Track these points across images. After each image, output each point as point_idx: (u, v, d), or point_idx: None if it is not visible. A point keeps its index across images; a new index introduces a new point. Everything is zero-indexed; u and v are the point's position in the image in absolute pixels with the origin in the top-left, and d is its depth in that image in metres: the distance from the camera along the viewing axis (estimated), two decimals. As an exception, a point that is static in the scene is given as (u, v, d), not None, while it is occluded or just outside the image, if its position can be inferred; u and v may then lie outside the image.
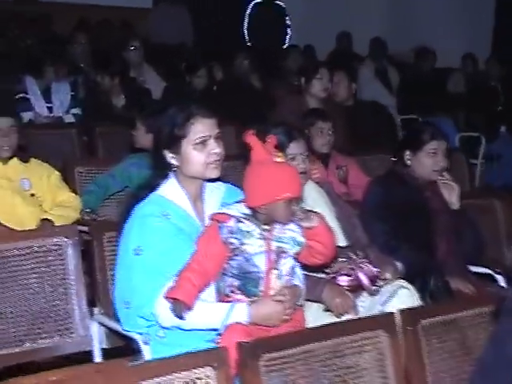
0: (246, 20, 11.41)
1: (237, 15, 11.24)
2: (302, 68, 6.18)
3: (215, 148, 2.80)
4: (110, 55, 7.12)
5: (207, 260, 2.64)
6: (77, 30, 8.18)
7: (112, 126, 5.76)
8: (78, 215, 4.14)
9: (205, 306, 2.65)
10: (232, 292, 2.68)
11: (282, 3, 11.31)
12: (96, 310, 3.20)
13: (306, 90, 5.65)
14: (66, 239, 3.16)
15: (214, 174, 2.83)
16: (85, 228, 3.85)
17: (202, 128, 2.80)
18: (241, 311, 2.65)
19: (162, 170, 2.88)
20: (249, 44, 11.15)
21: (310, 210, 2.74)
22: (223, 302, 2.69)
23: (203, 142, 2.79)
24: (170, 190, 2.84)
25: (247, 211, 2.66)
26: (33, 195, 4.03)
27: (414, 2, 11.71)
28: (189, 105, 2.86)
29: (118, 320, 2.84)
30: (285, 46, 10.77)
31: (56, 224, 3.89)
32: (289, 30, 11.17)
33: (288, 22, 11.10)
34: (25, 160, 4.06)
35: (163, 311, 2.63)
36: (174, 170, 2.85)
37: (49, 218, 3.93)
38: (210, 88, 7.20)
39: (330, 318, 2.95)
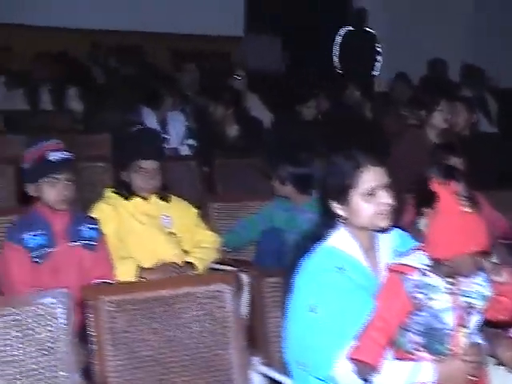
0: (337, 48, 11.20)
1: (326, 43, 11.04)
2: (419, 99, 5.92)
3: (385, 198, 2.56)
4: (219, 84, 6.93)
5: (391, 317, 2.38)
6: (188, 59, 8.04)
7: (228, 157, 5.58)
8: (218, 255, 3.94)
9: (388, 366, 2.41)
10: (415, 349, 2.43)
11: (372, 31, 11.07)
12: (256, 360, 2.97)
13: (427, 122, 5.40)
14: (225, 286, 2.93)
15: (384, 224, 2.59)
16: (227, 267, 3.68)
17: (371, 177, 2.57)
18: (427, 371, 2.39)
19: (329, 220, 2.65)
20: (340, 72, 10.94)
21: (499, 263, 2.50)
22: (404, 359, 2.44)
23: (372, 192, 2.56)
24: (341, 240, 2.61)
25: (429, 262, 2.41)
26: (172, 233, 3.83)
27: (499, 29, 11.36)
28: (355, 153, 2.64)
29: (279, 369, 2.64)
30: (376, 74, 10.51)
31: (199, 268, 3.71)
32: (379, 58, 10.90)
33: (379, 50, 10.83)
34: (165, 197, 3.87)
35: (345, 373, 2.39)
36: (343, 221, 2.62)
37: (191, 261, 3.74)
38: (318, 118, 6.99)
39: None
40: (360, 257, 2.60)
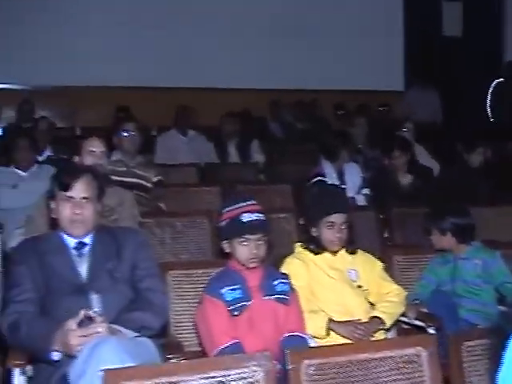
0: (490, 98, 10.66)
1: (480, 94, 10.55)
2: None
3: None
4: (390, 136, 6.56)
5: None
6: (357, 114, 7.75)
7: (403, 205, 5.21)
8: (403, 309, 3.57)
9: None
10: None
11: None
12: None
13: None
14: (422, 349, 2.56)
15: None
16: (421, 323, 3.33)
17: None
18: None
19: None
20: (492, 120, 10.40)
21: None
22: None
23: None
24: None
25: None
26: (359, 286, 3.50)
27: None
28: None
29: None
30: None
31: (386, 323, 3.36)
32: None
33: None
34: (352, 251, 3.55)
35: None
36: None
37: (379, 315, 3.38)
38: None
39: None
40: None
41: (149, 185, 4.99)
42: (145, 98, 8.86)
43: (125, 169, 4.96)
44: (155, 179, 5.03)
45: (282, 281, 3.15)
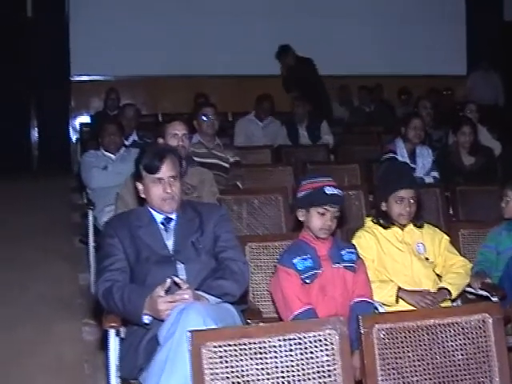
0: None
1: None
2: None
3: None
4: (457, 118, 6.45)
5: None
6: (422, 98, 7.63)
7: (467, 184, 5.14)
8: (468, 280, 3.54)
9: None
10: None
11: None
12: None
13: None
14: (488, 316, 2.54)
15: None
16: (485, 293, 3.31)
17: None
18: None
19: None
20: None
21: None
22: None
23: None
24: None
25: None
26: (427, 259, 3.48)
27: None
28: None
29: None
30: None
31: (453, 293, 3.35)
32: None
33: None
34: (420, 225, 3.53)
35: None
36: None
37: (446, 286, 3.37)
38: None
39: None
40: None
41: (227, 165, 5.07)
42: (220, 86, 8.93)
43: (205, 150, 5.04)
44: (232, 160, 5.11)
45: (349, 250, 3.20)
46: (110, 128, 5.48)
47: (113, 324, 2.88)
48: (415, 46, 10.20)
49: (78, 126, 8.92)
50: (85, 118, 9.14)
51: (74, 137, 9.06)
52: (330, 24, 9.83)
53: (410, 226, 3.50)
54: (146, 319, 2.77)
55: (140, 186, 3.10)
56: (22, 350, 4.13)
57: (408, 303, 3.30)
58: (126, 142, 5.95)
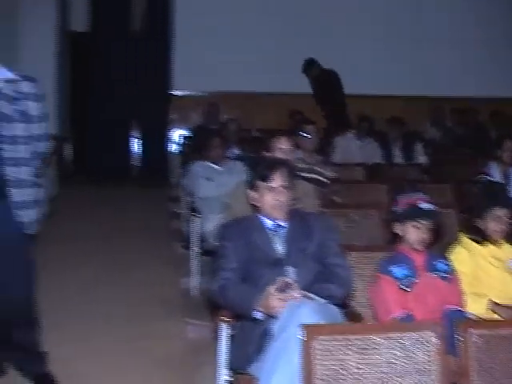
0: None
1: None
2: None
3: None
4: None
5: None
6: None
7: None
8: None
9: None
10: None
11: None
12: None
13: None
14: None
15: None
16: None
17: None
18: None
19: None
20: None
21: None
22: None
23: None
24: None
25: None
26: (519, 275, 3.65)
27: None
28: None
29: None
30: None
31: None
32: None
33: None
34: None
35: None
36: None
37: None
38: None
39: None
40: None
41: (325, 180, 5.33)
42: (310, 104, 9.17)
43: (305, 166, 5.32)
44: (331, 175, 5.37)
45: (443, 261, 3.44)
46: (215, 141, 5.84)
47: (225, 318, 3.18)
48: (508, 68, 10.23)
49: (177, 139, 9.36)
50: (183, 131, 9.55)
51: (172, 148, 9.47)
52: (422, 49, 10.04)
53: (504, 243, 3.69)
54: (259, 315, 3.06)
55: (252, 194, 3.40)
56: (131, 347, 4.46)
57: (501, 317, 3.47)
58: (229, 155, 6.29)
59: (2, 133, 3.58)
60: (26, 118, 3.61)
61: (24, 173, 3.63)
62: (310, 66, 8.88)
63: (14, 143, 3.59)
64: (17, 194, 3.62)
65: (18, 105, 3.59)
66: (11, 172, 3.60)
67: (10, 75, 3.63)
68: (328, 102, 8.56)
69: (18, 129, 3.60)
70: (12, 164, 3.61)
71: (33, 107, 3.64)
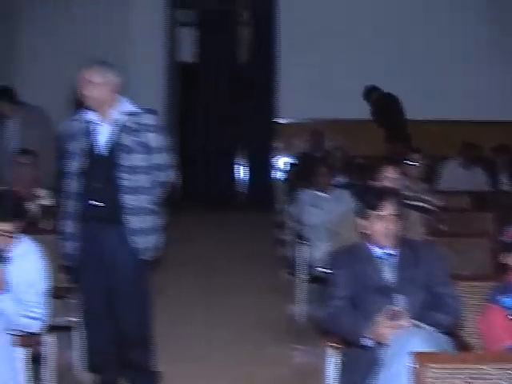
0: None
1: None
2: None
3: None
4: None
5: None
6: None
7: None
8: None
9: None
10: None
11: None
12: None
13: None
14: None
15: None
16: None
17: None
18: None
19: None
20: None
21: None
22: None
23: None
24: None
25: None
26: None
27: None
28: None
29: None
30: None
31: None
32: None
33: None
34: None
35: None
36: None
37: None
38: None
39: None
40: None
41: (431, 208, 5.32)
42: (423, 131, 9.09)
43: (411, 193, 5.34)
44: (438, 203, 5.36)
45: None
46: (322, 169, 5.95)
47: (333, 344, 3.27)
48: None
49: (281, 166, 9.51)
50: (287, 158, 9.69)
51: (277, 176, 9.62)
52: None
53: None
54: (368, 342, 3.13)
55: (362, 223, 3.47)
56: (235, 372, 4.56)
57: None
58: (335, 183, 6.38)
59: (122, 163, 3.81)
60: (146, 149, 3.83)
61: (143, 201, 3.84)
62: (371, 93, 9.02)
63: (133, 173, 3.81)
64: (135, 221, 3.83)
65: (138, 136, 3.82)
66: (130, 200, 3.82)
67: (132, 108, 3.88)
68: (385, 124, 8.57)
69: (138, 159, 3.82)
70: (131, 192, 3.82)
71: (152, 138, 3.85)
